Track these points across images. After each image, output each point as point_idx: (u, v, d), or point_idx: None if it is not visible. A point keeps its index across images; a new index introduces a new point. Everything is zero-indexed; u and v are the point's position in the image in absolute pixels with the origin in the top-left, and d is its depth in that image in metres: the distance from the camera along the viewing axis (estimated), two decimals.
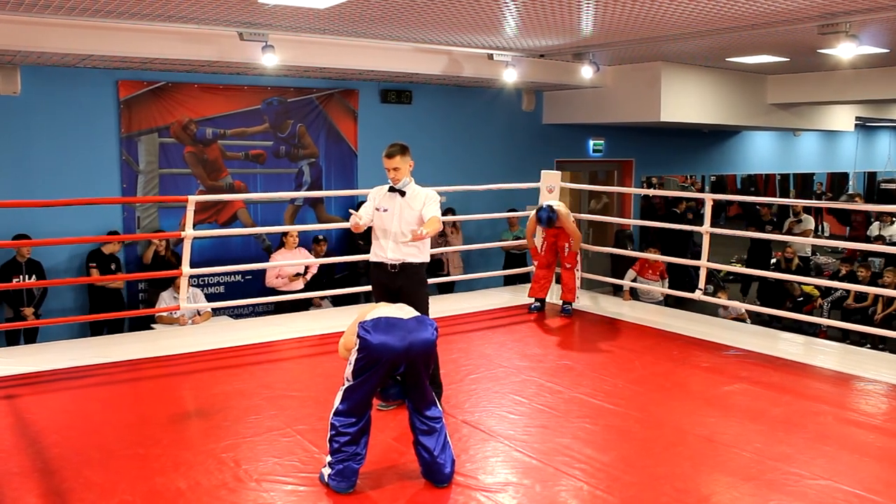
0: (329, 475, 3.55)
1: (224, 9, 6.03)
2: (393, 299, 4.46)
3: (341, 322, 6.49)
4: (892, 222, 12.89)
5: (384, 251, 4.52)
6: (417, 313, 3.77)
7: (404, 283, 4.49)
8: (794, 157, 16.47)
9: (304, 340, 6.26)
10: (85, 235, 7.53)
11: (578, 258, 7.18)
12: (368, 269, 4.80)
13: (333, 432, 3.54)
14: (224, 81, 8.71)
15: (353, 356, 3.55)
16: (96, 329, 7.56)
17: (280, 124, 9.14)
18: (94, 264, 7.70)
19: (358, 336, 3.51)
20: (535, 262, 7.35)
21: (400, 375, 3.59)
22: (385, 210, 4.55)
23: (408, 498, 3.56)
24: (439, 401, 4.51)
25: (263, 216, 9.13)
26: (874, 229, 13.05)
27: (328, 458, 3.58)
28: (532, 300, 7.32)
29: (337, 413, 3.55)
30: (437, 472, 3.62)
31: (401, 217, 4.50)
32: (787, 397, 4.92)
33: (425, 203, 4.51)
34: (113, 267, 7.83)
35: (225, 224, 8.88)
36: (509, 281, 9.07)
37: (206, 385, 5.15)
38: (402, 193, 4.54)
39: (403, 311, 3.72)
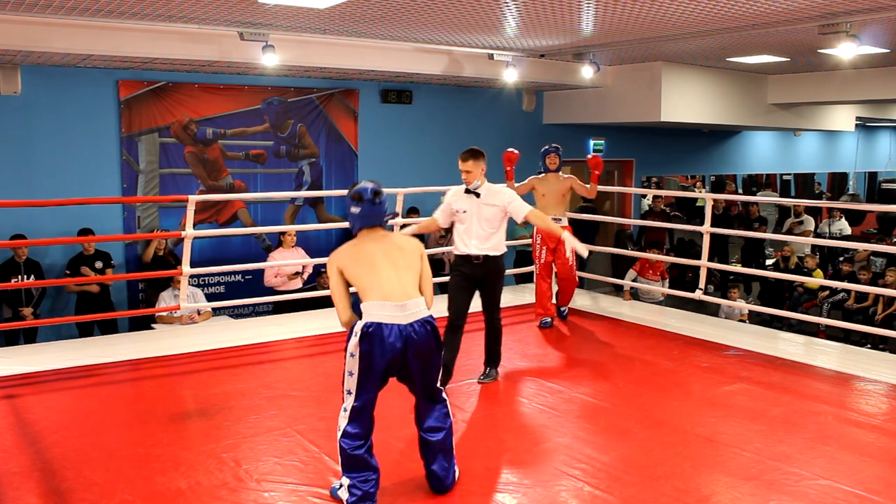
0: (348, 500, 3.37)
1: (224, 9, 6.03)
2: (474, 286, 5.03)
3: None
4: (841, 217, 12.94)
5: (468, 247, 5.00)
6: (423, 314, 3.46)
7: (486, 273, 5.00)
8: (794, 157, 16.45)
9: (304, 340, 6.26)
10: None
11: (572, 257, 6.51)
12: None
13: (345, 457, 3.39)
14: (224, 81, 8.71)
15: (353, 368, 3.36)
16: (86, 330, 7.29)
17: (280, 124, 9.14)
18: (83, 267, 7.57)
19: (358, 343, 3.34)
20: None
21: (404, 378, 3.51)
22: (464, 211, 5.01)
23: (407, 497, 3.56)
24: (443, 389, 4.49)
25: (263, 216, 9.13)
26: (824, 226, 13.11)
27: (345, 480, 3.40)
28: (542, 319, 6.74)
29: (346, 435, 3.39)
30: (434, 481, 3.55)
31: (479, 216, 4.96)
32: (788, 397, 4.92)
33: (510, 201, 4.96)
34: (99, 265, 7.61)
35: (225, 224, 8.88)
36: (509, 281, 9.06)
37: (206, 385, 5.15)
38: (477, 195, 4.96)
39: (405, 312, 3.39)
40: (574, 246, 4.84)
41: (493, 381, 5.21)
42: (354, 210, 3.52)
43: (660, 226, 10.19)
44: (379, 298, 3.36)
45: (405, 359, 3.39)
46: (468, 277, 5.01)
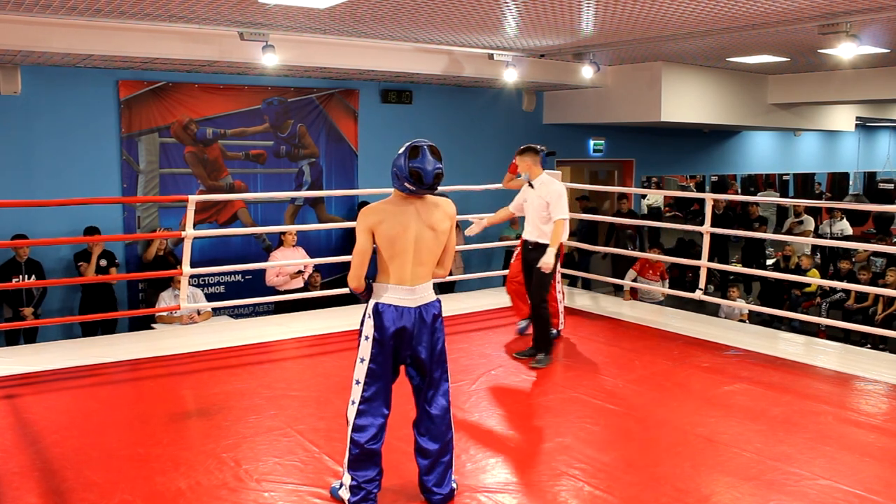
0: (349, 500, 3.36)
1: (225, 9, 6.04)
2: (528, 269, 5.72)
3: (341, 322, 6.53)
4: (842, 218, 12.96)
5: (526, 233, 5.78)
6: (431, 298, 3.47)
7: (536, 258, 5.55)
8: (794, 157, 16.46)
9: (304, 340, 6.26)
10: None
11: (558, 277, 6.21)
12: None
13: (355, 452, 3.33)
14: (224, 81, 8.71)
15: (366, 354, 3.35)
16: (89, 329, 7.45)
17: (280, 124, 9.14)
18: (82, 263, 7.61)
19: (373, 325, 3.35)
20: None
21: (413, 363, 3.45)
22: (526, 200, 5.76)
23: (407, 498, 3.55)
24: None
25: (264, 216, 9.13)
26: (825, 227, 13.14)
27: (347, 479, 3.37)
28: (518, 322, 6.39)
29: (357, 429, 3.34)
30: (427, 494, 3.47)
31: (532, 205, 5.67)
32: (788, 397, 4.92)
33: (550, 200, 5.51)
34: (104, 264, 7.64)
35: (225, 224, 8.88)
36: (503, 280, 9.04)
37: (206, 385, 5.15)
38: (532, 186, 5.67)
39: (415, 295, 3.40)
40: (542, 262, 5.44)
41: (544, 367, 5.48)
42: (409, 186, 3.34)
43: (659, 225, 10.16)
44: (393, 283, 3.39)
45: (413, 341, 3.39)
46: (525, 259, 5.78)
